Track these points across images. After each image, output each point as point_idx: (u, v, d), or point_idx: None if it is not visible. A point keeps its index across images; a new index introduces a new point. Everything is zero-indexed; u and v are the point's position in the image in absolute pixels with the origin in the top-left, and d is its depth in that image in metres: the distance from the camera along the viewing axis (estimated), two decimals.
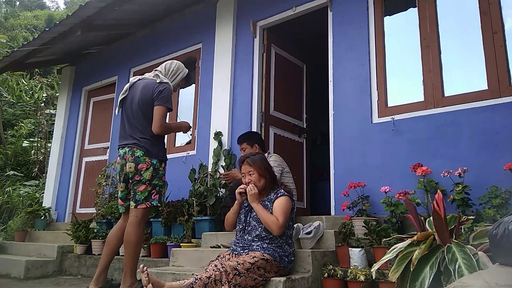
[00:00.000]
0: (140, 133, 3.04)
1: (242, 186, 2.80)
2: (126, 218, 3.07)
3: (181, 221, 4.16)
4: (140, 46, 6.21)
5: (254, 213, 2.72)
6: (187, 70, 3.42)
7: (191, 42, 5.52)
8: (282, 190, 2.77)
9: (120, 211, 3.16)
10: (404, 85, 3.81)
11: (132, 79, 3.27)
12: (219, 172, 4.51)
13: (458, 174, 2.95)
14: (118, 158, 3.10)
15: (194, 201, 4.24)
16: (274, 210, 2.67)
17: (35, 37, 5.97)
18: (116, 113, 3.17)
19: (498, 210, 2.64)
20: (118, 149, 3.12)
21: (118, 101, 3.22)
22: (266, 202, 2.74)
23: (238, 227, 2.83)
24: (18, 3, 28.27)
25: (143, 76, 3.28)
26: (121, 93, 3.23)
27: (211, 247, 3.52)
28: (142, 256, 4.20)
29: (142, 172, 2.98)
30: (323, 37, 4.34)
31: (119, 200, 3.14)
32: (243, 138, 3.95)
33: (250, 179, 2.78)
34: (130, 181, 3.02)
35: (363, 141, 3.71)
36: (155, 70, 3.29)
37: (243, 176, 2.85)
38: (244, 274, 2.37)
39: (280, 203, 2.68)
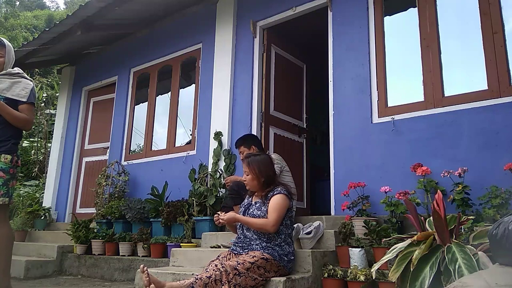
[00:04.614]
0: None
1: (215, 218, 2.82)
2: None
3: (181, 221, 4.16)
4: (140, 46, 6.21)
5: (251, 210, 2.76)
6: None
7: (191, 42, 5.51)
8: (279, 188, 2.77)
9: None
10: (404, 85, 3.81)
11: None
12: (219, 172, 4.51)
13: (458, 174, 2.95)
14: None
15: (194, 201, 4.25)
16: (268, 208, 2.69)
17: (35, 37, 5.97)
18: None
19: (498, 210, 2.64)
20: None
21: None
22: (264, 201, 2.76)
23: (238, 224, 2.84)
24: (18, 3, 28.29)
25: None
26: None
27: (211, 247, 3.53)
28: (142, 256, 4.21)
29: None
30: (323, 37, 4.34)
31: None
32: (239, 141, 3.95)
33: (245, 178, 2.85)
34: None
35: (363, 141, 3.71)
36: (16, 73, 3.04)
37: (245, 172, 2.88)
38: (244, 274, 2.38)
39: (273, 202, 2.69)
